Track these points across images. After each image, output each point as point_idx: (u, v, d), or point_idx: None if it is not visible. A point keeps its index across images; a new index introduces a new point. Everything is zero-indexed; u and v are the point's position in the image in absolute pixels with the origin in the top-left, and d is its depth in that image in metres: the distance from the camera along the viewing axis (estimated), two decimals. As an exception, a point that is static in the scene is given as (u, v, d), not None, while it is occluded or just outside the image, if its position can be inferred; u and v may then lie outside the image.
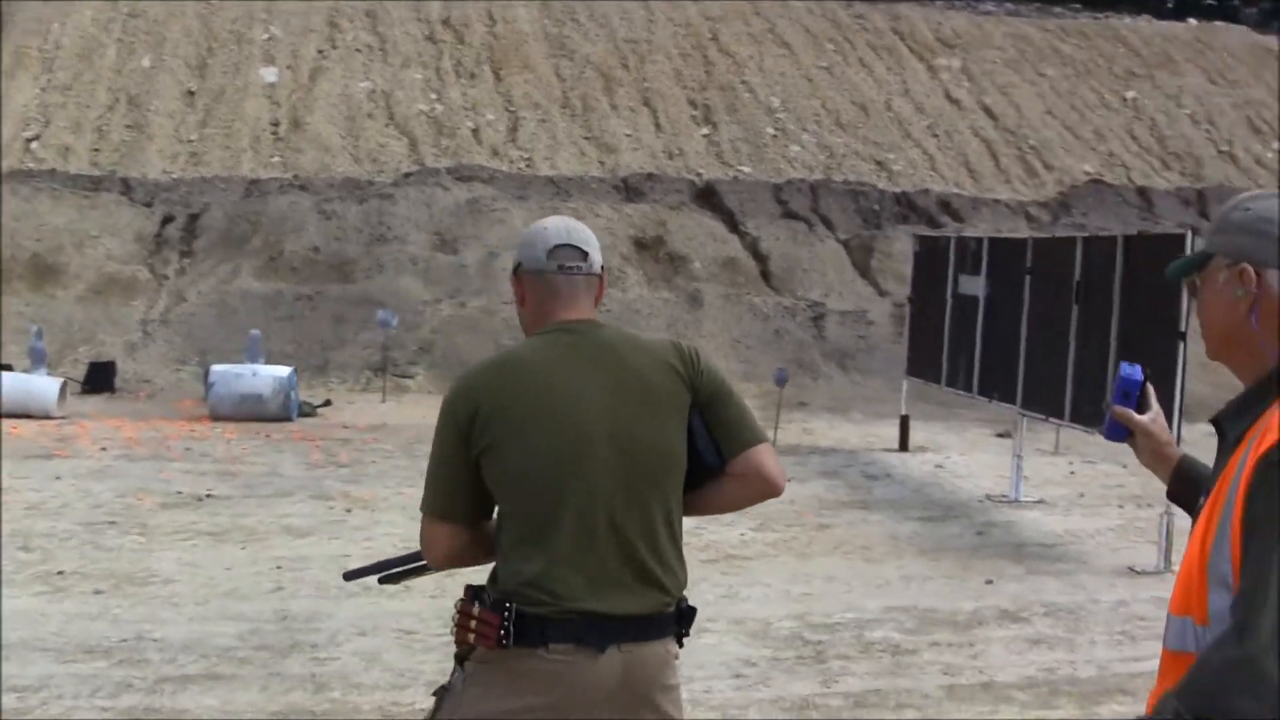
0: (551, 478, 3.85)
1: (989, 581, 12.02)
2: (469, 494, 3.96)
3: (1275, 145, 36.91)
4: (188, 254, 26.19)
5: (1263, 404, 2.68)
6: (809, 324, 25.84)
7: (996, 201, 31.51)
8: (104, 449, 17.17)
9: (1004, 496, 15.96)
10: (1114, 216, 31.09)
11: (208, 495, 14.54)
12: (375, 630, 9.86)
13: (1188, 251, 12.61)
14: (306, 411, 20.10)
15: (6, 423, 18.32)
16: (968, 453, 19.23)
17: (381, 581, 4.52)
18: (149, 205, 27.22)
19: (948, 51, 38.81)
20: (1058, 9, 45.71)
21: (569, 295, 4.03)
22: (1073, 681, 9.25)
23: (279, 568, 11.65)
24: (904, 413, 19.38)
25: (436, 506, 4.01)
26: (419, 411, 20.97)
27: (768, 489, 4.11)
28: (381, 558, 4.65)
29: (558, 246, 4.03)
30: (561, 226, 4.11)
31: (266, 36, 33.91)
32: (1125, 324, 13.63)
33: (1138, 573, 12.55)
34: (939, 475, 17.48)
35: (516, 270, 4.11)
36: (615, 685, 3.86)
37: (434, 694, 4.06)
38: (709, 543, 12.90)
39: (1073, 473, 17.90)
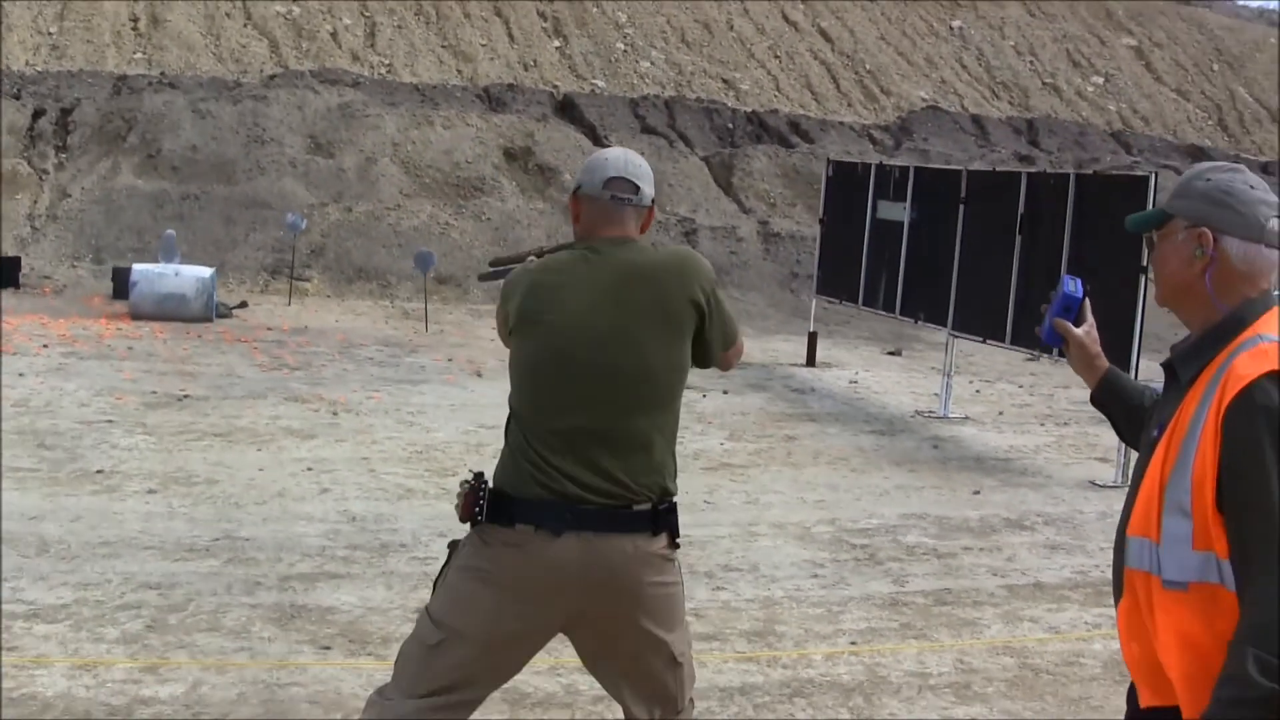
0: (537, 372, 4.49)
1: (976, 492, 12.84)
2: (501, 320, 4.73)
3: (1094, 79, 38.51)
4: (63, 149, 25.73)
5: (1213, 350, 3.16)
6: (682, 239, 26.43)
7: (842, 124, 32.44)
8: (45, 346, 17.07)
9: (932, 413, 16.83)
10: (953, 143, 32.27)
11: (185, 395, 14.66)
12: (451, 531, 10.14)
13: (1151, 193, 13.57)
14: (223, 313, 20.12)
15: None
16: (871, 369, 20.07)
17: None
18: (17, 98, 26.62)
19: (781, -27, 39.60)
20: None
21: (617, 221, 4.55)
22: (1108, 584, 10.04)
23: (309, 469, 11.91)
24: (812, 329, 20.15)
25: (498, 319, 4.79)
26: (330, 315, 21.21)
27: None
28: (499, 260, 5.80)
29: (614, 178, 4.54)
30: (621, 160, 4.63)
31: (113, -72, 33.21)
32: (1077, 257, 14.53)
33: (1100, 486, 13.48)
34: (859, 391, 18.26)
35: (576, 192, 4.65)
36: (579, 570, 4.42)
37: (448, 545, 4.69)
38: (697, 451, 13.50)
39: (978, 392, 18.81)
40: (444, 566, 4.62)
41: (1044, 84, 37.49)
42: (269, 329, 19.63)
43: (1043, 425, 16.75)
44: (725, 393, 17.11)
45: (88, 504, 10.42)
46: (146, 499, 10.68)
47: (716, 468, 13.04)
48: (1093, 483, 13.64)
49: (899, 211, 17.96)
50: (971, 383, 19.42)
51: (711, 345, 4.61)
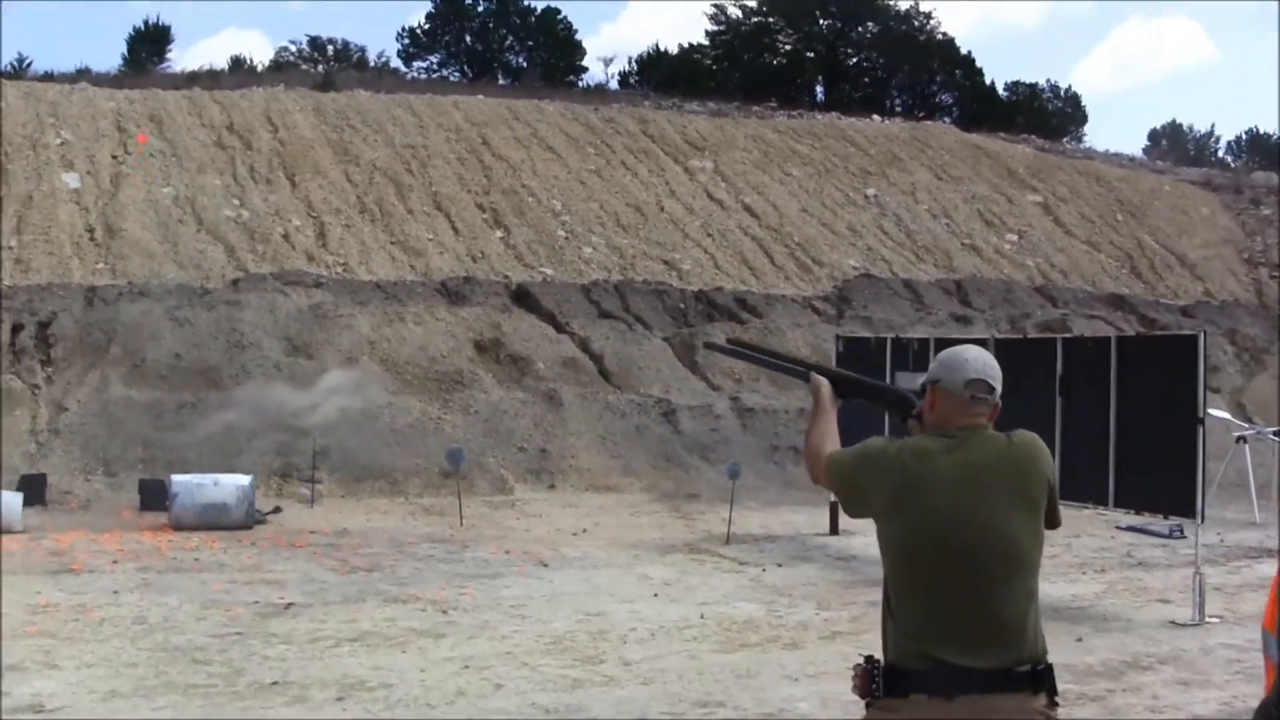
0: (913, 555, 5.08)
1: (1078, 640, 13.62)
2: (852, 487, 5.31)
3: (1009, 237, 40.14)
4: (48, 363, 25.95)
5: None
6: (662, 420, 27.21)
7: (785, 297, 33.53)
8: (115, 562, 17.30)
9: (978, 571, 17.63)
10: (890, 308, 33.48)
11: (289, 604, 15.00)
12: (644, 711, 10.79)
13: (1201, 350, 14.61)
14: (260, 519, 20.44)
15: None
16: (890, 534, 20.87)
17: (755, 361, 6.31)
18: (-9, 313, 26.94)
19: (698, 154, 40.98)
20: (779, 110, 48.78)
21: (972, 414, 5.19)
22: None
23: (466, 667, 12.35)
24: (834, 499, 20.92)
25: (832, 471, 5.39)
26: (357, 516, 21.59)
27: None
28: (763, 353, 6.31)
29: (975, 379, 5.19)
30: (979, 362, 5.26)
31: (60, 141, 33.81)
32: (1126, 412, 15.56)
33: (1182, 625, 14.33)
34: (895, 555, 19.05)
35: (935, 384, 5.27)
36: None
37: None
38: (802, 622, 14.20)
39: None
40: None
41: (963, 244, 39.03)
42: (311, 533, 19.94)
43: (1084, 574, 17.66)
44: (779, 565, 17.90)
45: (292, 715, 10.78)
46: (343, 707, 11.02)
47: (832, 637, 13.68)
48: (1174, 622, 14.49)
49: (918, 381, 18.83)
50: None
51: (1054, 514, 5.22)
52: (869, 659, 5.08)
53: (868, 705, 5.09)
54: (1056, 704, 5.12)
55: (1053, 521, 5.23)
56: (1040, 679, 5.04)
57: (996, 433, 5.22)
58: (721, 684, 11.83)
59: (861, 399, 5.83)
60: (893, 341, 20.12)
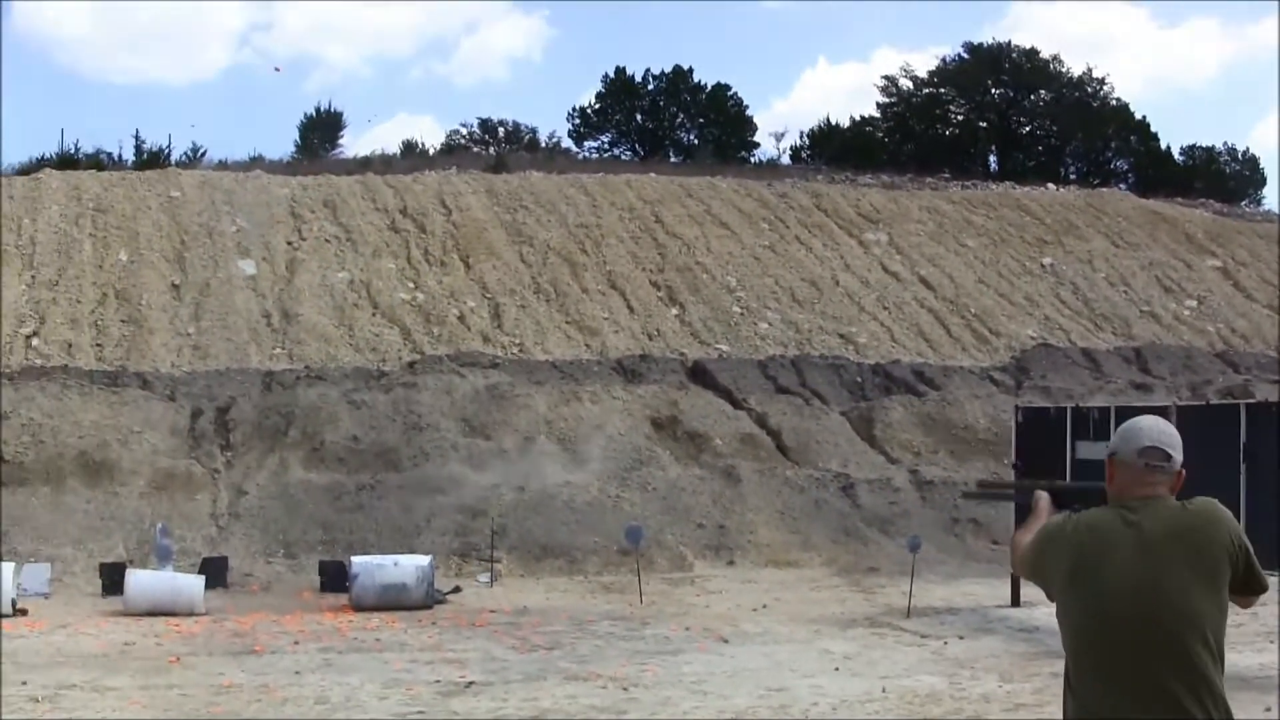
0: (1093, 630, 4.91)
1: (1267, 710, 13.23)
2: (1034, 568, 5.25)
3: (1188, 303, 39.37)
4: (227, 447, 26.48)
5: None
6: (841, 494, 27.00)
7: (962, 368, 33.17)
8: (296, 643, 17.47)
9: (1167, 643, 17.15)
10: (1069, 378, 32.95)
11: (470, 683, 15.00)
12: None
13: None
14: (440, 599, 20.55)
15: (167, 620, 18.70)
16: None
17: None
18: (172, 399, 27.52)
19: (872, 226, 40.82)
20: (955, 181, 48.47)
21: (1149, 484, 5.01)
22: None
23: (648, 745, 12.29)
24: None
25: (1027, 561, 5.32)
26: (536, 594, 21.62)
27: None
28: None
29: (1148, 447, 5.02)
30: (1154, 430, 5.10)
31: (235, 228, 34.63)
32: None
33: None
34: (1082, 628, 18.65)
35: (1112, 456, 5.13)
36: None
37: None
38: (984, 695, 13.90)
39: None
40: None
41: (1142, 312, 38.34)
42: (491, 611, 20.02)
43: (1271, 643, 17.06)
44: (961, 638, 17.58)
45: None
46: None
47: (1015, 710, 13.39)
48: (1368, 691, 13.99)
49: (1102, 451, 18.44)
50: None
51: (1253, 578, 5.01)
52: None
53: None
54: None
55: (1253, 585, 5.06)
56: None
57: (1175, 501, 5.08)
58: (906, 761, 11.63)
59: (1079, 504, 5.72)
60: (1073, 411, 19.77)
